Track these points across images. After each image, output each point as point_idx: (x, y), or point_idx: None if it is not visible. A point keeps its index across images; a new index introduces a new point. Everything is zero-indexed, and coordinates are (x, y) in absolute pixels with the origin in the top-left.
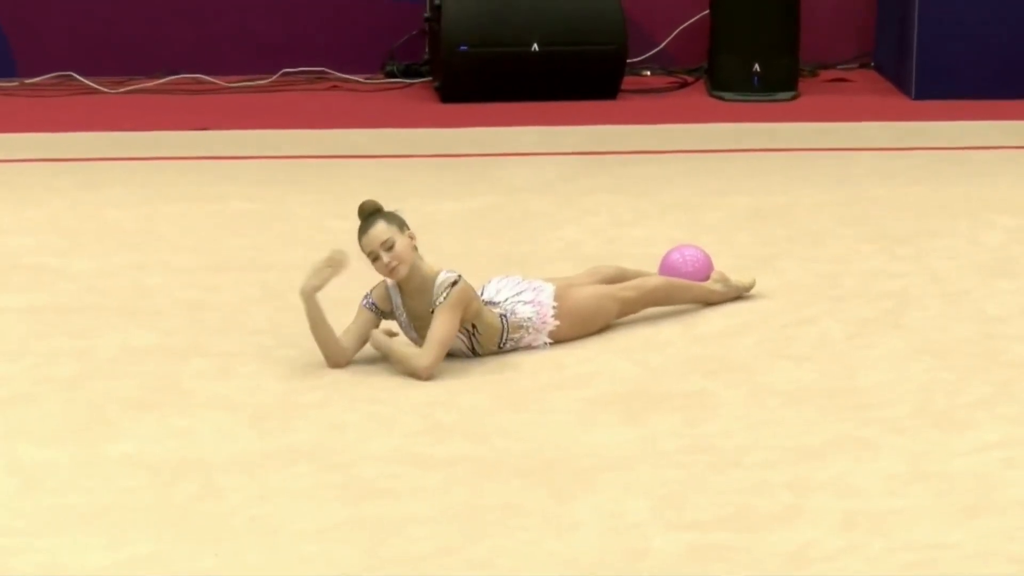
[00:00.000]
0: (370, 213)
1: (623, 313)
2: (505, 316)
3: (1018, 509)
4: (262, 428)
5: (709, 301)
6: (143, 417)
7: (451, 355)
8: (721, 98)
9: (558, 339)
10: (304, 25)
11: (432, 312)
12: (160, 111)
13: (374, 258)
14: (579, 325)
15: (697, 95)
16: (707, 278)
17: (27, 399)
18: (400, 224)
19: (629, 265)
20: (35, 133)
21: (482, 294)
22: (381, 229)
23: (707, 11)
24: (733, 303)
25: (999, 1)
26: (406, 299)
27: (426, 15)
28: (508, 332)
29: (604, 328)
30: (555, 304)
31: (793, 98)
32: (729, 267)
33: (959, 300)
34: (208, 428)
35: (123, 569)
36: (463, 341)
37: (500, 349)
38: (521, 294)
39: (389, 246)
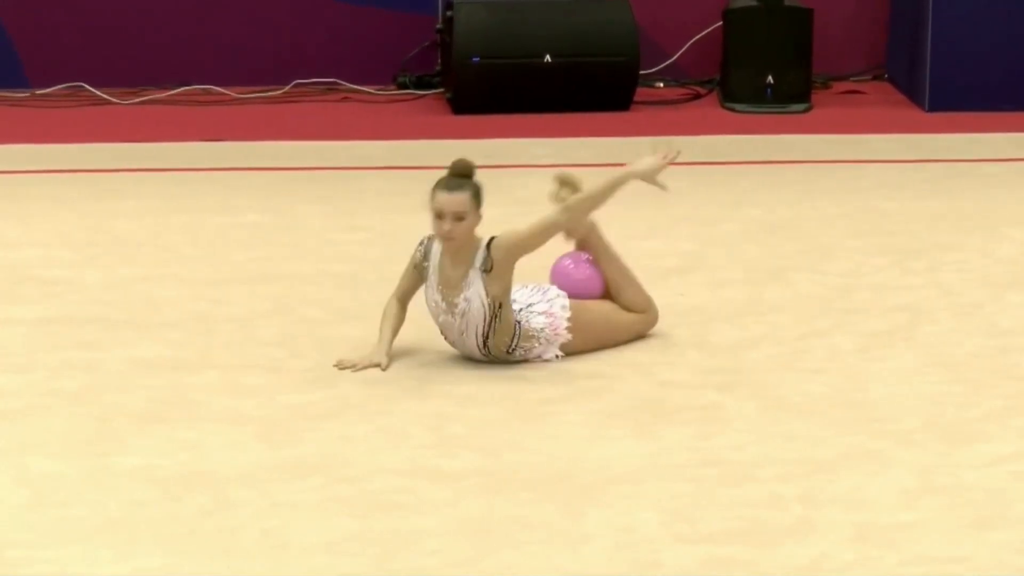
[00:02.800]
0: (460, 175)
1: (639, 326)
2: (519, 323)
3: None
4: (272, 441)
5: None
6: (152, 430)
7: (468, 359)
8: (733, 110)
9: (570, 352)
10: (316, 36)
11: (482, 271)
12: (171, 122)
13: (438, 215)
14: (592, 339)
15: (709, 107)
16: (602, 280)
17: (36, 411)
18: (479, 203)
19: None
20: (45, 144)
21: None
22: (461, 199)
23: (720, 23)
24: (744, 316)
25: (1013, 12)
26: (443, 259)
27: (438, 26)
28: (519, 339)
29: (618, 343)
30: (569, 317)
31: (806, 110)
32: (740, 279)
33: (971, 313)
34: (217, 441)
35: None
36: (485, 314)
37: (509, 354)
38: (534, 305)
39: (459, 217)
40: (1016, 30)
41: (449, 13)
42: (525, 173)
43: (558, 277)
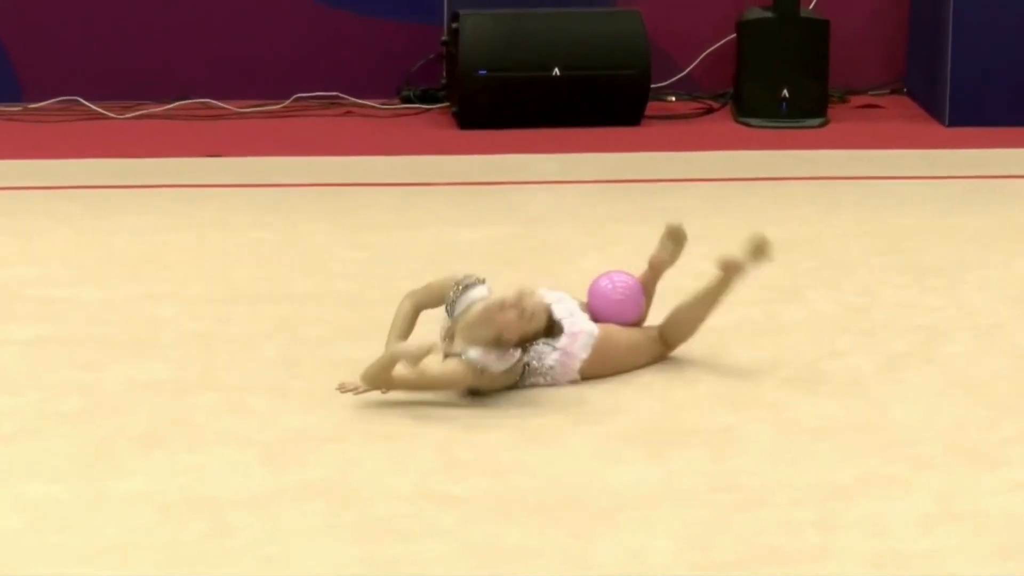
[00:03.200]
0: None
1: (662, 350)
2: (528, 364)
3: None
4: (275, 464)
5: (719, 295)
6: (152, 453)
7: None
8: (748, 124)
9: (585, 376)
10: (317, 48)
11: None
12: (169, 137)
13: (518, 312)
14: (609, 368)
15: (723, 121)
16: (639, 305)
17: (33, 434)
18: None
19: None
20: (40, 159)
21: None
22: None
23: (733, 35)
24: (760, 336)
25: None
26: (461, 317)
27: (443, 38)
28: (528, 376)
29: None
30: (585, 356)
31: (822, 125)
32: (756, 299)
33: (992, 333)
34: (219, 464)
35: None
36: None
37: (513, 387)
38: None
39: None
40: None
41: (455, 25)
42: (533, 189)
43: (595, 298)
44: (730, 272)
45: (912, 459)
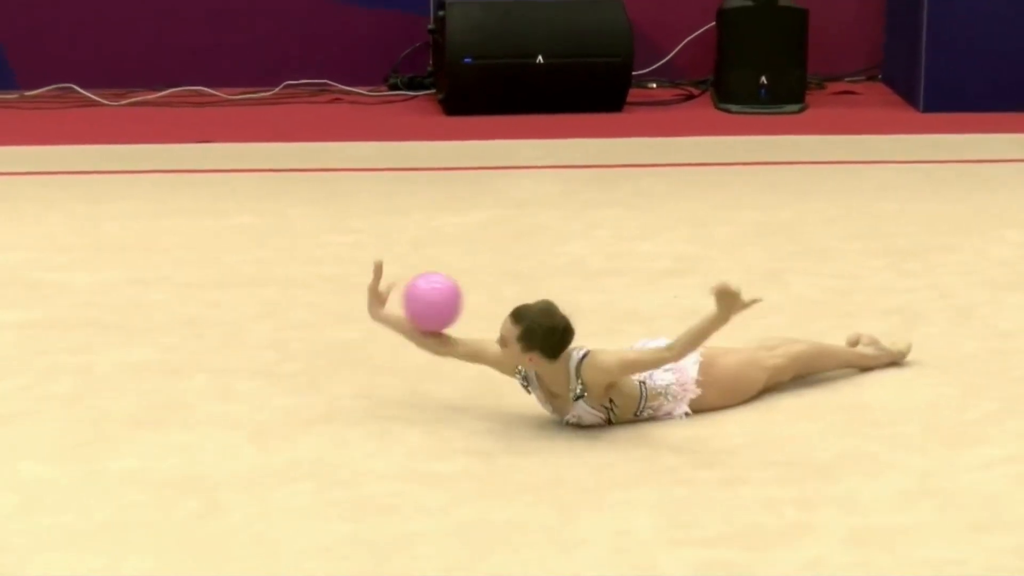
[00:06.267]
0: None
1: (772, 380)
2: (644, 383)
3: None
4: (264, 445)
5: (861, 366)
6: (144, 434)
7: (587, 427)
8: (728, 111)
9: (702, 408)
10: (306, 37)
11: (575, 399)
12: (161, 124)
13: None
14: (725, 394)
15: (704, 108)
16: (454, 308)
17: (26, 416)
18: (528, 341)
19: (639, 282)
20: (34, 146)
21: None
22: (507, 326)
23: (714, 23)
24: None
25: (1008, 13)
26: (542, 379)
27: (430, 27)
28: (646, 400)
29: (751, 397)
30: (698, 372)
31: (801, 111)
32: (738, 282)
33: (968, 315)
34: (210, 445)
35: None
36: (599, 416)
37: (636, 417)
38: (667, 372)
39: (504, 343)
40: (1011, 30)
41: (441, 13)
42: (518, 175)
43: (410, 301)
44: (894, 356)
45: (889, 438)
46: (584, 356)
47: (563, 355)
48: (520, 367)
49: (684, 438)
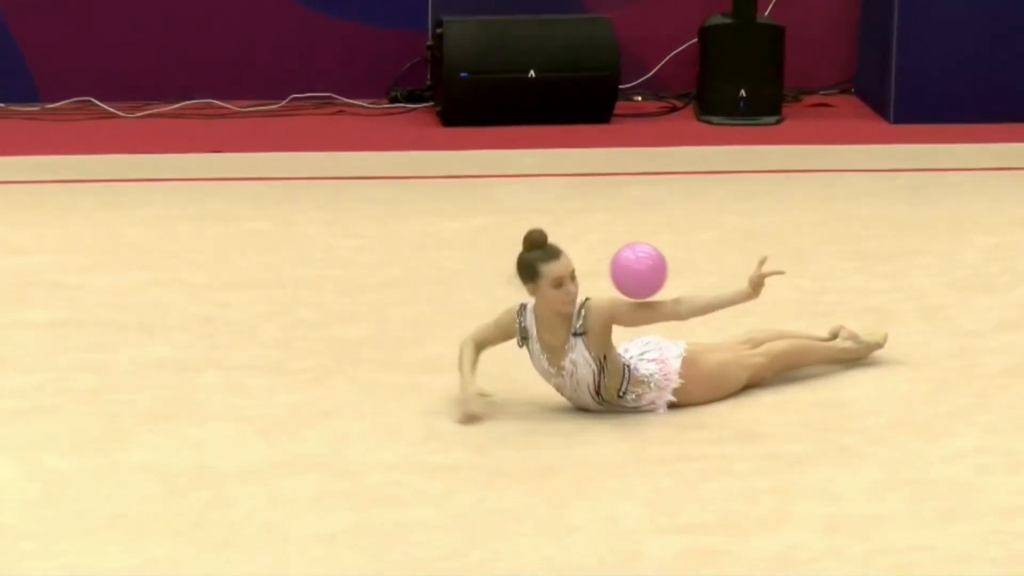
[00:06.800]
0: (546, 243)
1: (755, 377)
2: (628, 366)
3: (994, 513)
4: (272, 438)
5: (840, 360)
6: (158, 428)
7: (581, 409)
8: (709, 122)
9: (685, 402)
10: (311, 53)
11: (574, 336)
12: (174, 135)
13: (560, 284)
14: (707, 390)
15: (686, 119)
16: (662, 277)
17: (48, 411)
18: (521, 278)
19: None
20: (56, 156)
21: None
22: (569, 261)
23: (696, 39)
24: (721, 319)
25: (974, 31)
26: (542, 332)
27: (428, 43)
28: (629, 383)
29: (733, 393)
30: (681, 366)
31: (778, 122)
32: (718, 284)
33: (937, 315)
34: (221, 438)
35: (140, 571)
36: (591, 368)
37: (621, 398)
38: (646, 353)
39: (575, 275)
40: (976, 48)
41: (439, 30)
42: (513, 182)
43: (619, 272)
44: (872, 347)
45: (862, 431)
46: (585, 301)
47: None
48: (519, 319)
49: (669, 432)
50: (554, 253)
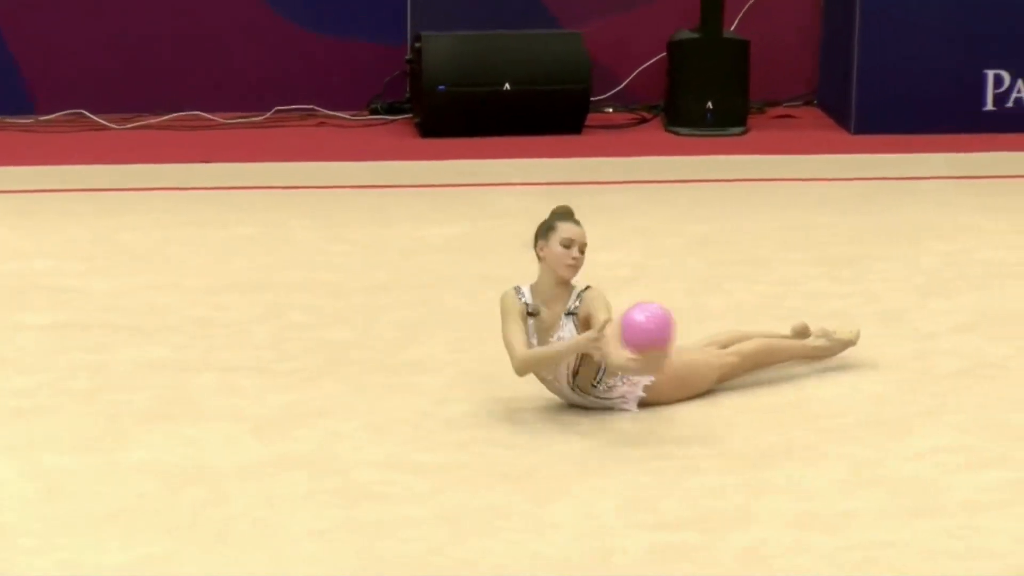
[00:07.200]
0: (571, 213)
1: (725, 377)
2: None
3: (958, 509)
4: (265, 437)
5: (812, 357)
6: (155, 427)
7: (559, 405)
8: (677, 133)
9: (655, 399)
10: (295, 67)
11: (566, 315)
12: (163, 145)
13: (569, 245)
14: (676, 389)
15: (655, 130)
16: (669, 336)
17: (47, 410)
18: (537, 238)
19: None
20: (52, 166)
21: None
22: (584, 233)
23: (664, 53)
24: (688, 323)
25: (931, 46)
26: (537, 304)
27: (407, 57)
28: (604, 374)
29: (703, 393)
30: (650, 381)
31: (743, 133)
32: (684, 289)
33: (896, 318)
34: (215, 437)
35: (137, 567)
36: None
37: (595, 388)
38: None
39: (584, 248)
40: (932, 63)
41: (418, 45)
42: (488, 191)
43: (628, 331)
44: (845, 344)
45: (828, 430)
46: (587, 288)
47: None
48: (519, 298)
49: (644, 433)
50: (573, 219)
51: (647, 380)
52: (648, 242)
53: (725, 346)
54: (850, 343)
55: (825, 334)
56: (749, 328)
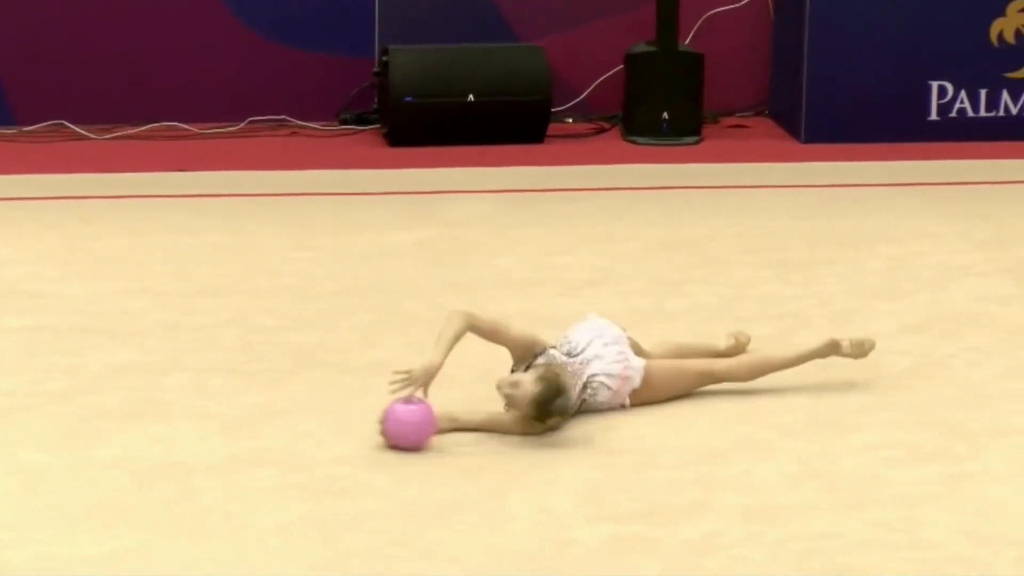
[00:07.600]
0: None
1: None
2: (584, 401)
3: (898, 502)
4: (233, 435)
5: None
6: (127, 426)
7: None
8: (634, 142)
9: (639, 402)
10: (267, 79)
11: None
12: (141, 155)
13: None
14: (651, 396)
15: (613, 140)
16: (430, 430)
17: (24, 410)
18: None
19: (560, 292)
20: (31, 175)
21: (569, 340)
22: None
23: (622, 66)
24: (648, 324)
25: (878, 58)
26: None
27: (375, 70)
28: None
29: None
30: (640, 382)
31: (698, 142)
32: (644, 291)
33: (845, 320)
34: (185, 435)
35: (110, 559)
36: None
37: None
38: (611, 377)
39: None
40: (879, 75)
41: (385, 58)
42: (454, 198)
43: (390, 423)
44: (829, 350)
45: (777, 427)
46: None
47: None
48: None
49: (600, 429)
50: (562, 414)
51: (631, 387)
52: (608, 247)
53: (675, 356)
54: (863, 353)
55: (853, 342)
56: (685, 341)
